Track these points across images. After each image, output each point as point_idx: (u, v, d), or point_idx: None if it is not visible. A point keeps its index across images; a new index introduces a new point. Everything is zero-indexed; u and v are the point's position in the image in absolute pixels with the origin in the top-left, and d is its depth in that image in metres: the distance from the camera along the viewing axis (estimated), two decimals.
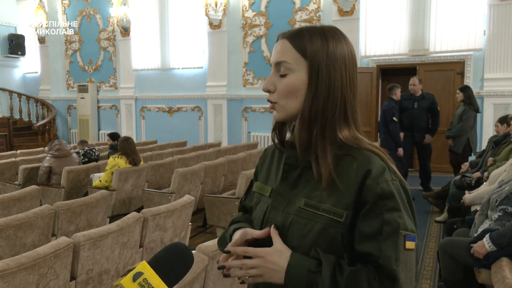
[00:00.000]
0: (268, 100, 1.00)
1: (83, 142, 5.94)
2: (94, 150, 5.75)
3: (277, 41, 1.01)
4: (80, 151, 5.71)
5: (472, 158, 5.63)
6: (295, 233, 0.95)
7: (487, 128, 6.52)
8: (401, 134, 5.78)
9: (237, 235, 1.01)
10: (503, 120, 4.87)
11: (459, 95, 5.59)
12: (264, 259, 0.91)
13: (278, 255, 0.91)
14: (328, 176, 0.92)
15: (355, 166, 0.92)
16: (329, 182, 0.92)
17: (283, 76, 0.97)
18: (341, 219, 0.90)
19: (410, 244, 0.88)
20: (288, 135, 1.07)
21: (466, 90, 5.57)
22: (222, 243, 1.11)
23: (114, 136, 6.44)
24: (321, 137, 0.94)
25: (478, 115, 5.69)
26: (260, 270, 0.92)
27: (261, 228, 1.02)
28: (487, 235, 2.50)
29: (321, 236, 0.91)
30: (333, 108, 0.94)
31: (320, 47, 0.94)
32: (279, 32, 1.03)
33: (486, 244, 2.47)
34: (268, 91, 0.99)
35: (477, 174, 4.47)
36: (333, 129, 0.95)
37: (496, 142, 4.69)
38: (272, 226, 0.96)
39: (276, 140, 1.08)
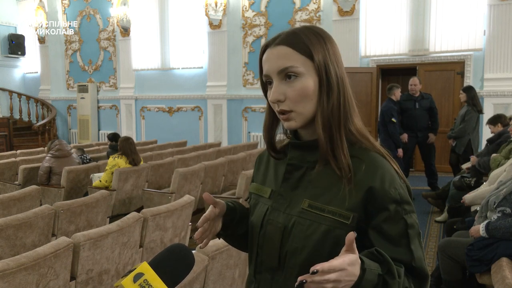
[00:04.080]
0: (282, 111, 0.96)
1: (79, 150, 5.94)
2: (85, 155, 5.78)
3: (265, 51, 1.00)
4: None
5: None
6: (298, 235, 0.94)
7: (486, 128, 6.51)
8: (405, 135, 5.77)
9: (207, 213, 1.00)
10: (494, 120, 4.89)
11: (462, 96, 5.57)
12: (346, 272, 0.79)
13: (356, 264, 0.81)
14: (347, 169, 0.92)
15: (363, 168, 0.92)
16: (339, 178, 0.92)
17: (292, 81, 0.95)
18: (348, 221, 0.90)
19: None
20: (279, 137, 1.06)
21: (469, 91, 5.54)
22: None
23: (114, 137, 6.45)
24: (338, 132, 0.95)
25: None
26: (340, 283, 0.80)
27: (260, 230, 1.02)
28: (485, 222, 2.66)
29: (325, 237, 0.91)
30: (345, 102, 0.96)
31: (321, 46, 0.96)
32: (279, 31, 1.02)
33: (480, 230, 2.64)
34: (279, 101, 0.96)
35: (474, 158, 4.47)
36: (346, 122, 0.96)
37: (490, 141, 4.70)
38: (351, 233, 0.82)
39: (271, 150, 1.07)
